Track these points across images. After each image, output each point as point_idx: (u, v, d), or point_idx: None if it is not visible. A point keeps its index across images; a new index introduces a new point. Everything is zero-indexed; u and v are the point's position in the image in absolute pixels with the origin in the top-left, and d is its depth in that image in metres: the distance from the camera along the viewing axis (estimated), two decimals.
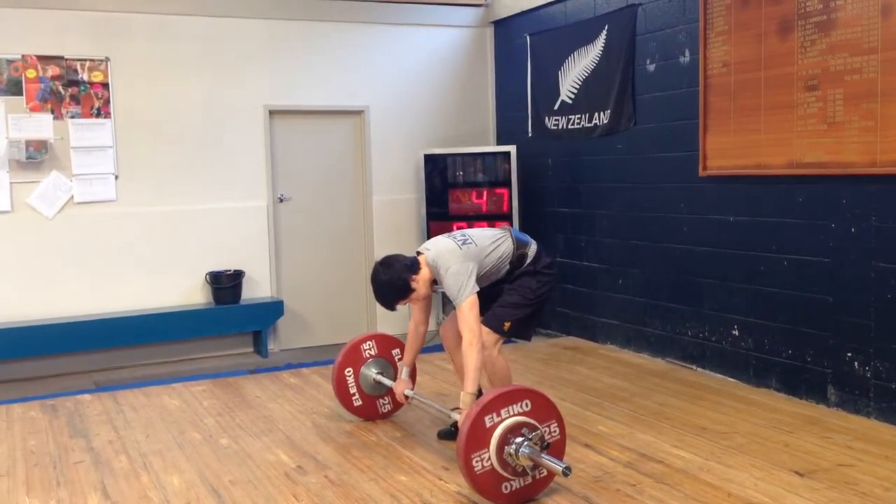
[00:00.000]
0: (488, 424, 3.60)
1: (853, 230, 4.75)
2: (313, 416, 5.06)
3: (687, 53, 5.81)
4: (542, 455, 3.59)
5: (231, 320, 6.98)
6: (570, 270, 7.13)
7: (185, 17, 6.88)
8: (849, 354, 4.81)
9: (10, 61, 6.34)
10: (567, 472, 3.53)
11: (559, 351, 6.68)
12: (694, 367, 5.90)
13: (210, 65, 6.98)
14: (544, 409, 3.72)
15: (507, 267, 4.28)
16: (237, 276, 7.01)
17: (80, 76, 6.54)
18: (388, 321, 7.68)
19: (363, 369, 4.85)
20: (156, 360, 6.87)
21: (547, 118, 7.24)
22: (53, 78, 6.47)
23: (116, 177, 6.70)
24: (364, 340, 4.92)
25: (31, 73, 6.41)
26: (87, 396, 5.69)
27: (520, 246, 4.32)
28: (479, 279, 4.13)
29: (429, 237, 7.51)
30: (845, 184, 4.78)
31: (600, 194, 6.73)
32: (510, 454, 3.59)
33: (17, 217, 6.41)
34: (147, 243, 6.82)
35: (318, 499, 3.79)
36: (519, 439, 3.59)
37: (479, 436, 3.58)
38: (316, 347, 7.37)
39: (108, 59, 6.63)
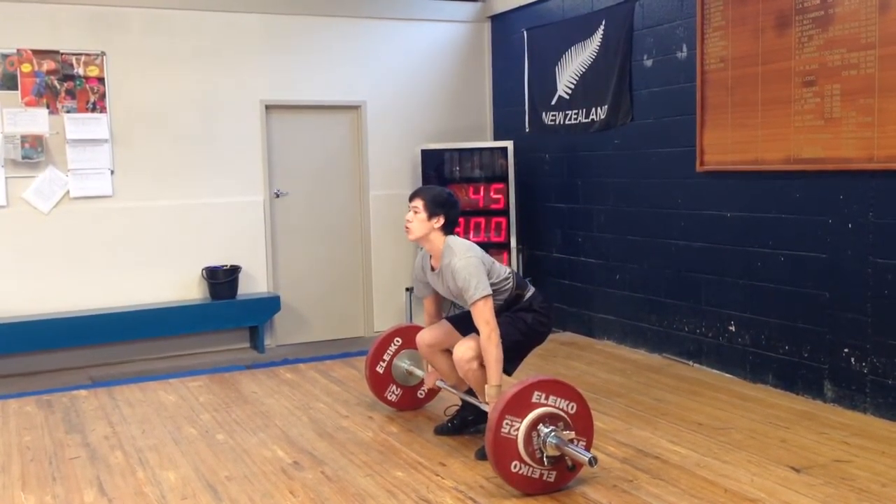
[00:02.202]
0: (534, 399, 3.67)
1: (850, 226, 4.75)
2: (310, 412, 5.06)
3: (684, 48, 5.80)
4: (568, 445, 3.64)
5: (227, 315, 6.97)
6: (567, 266, 7.13)
7: (180, 12, 6.85)
8: (846, 350, 4.81)
9: (5, 55, 6.32)
10: (593, 461, 3.59)
11: (556, 346, 6.68)
12: (691, 362, 5.90)
13: (206, 59, 6.95)
14: (585, 421, 3.78)
15: (502, 302, 4.24)
16: (234, 271, 7.00)
17: (75, 70, 6.52)
18: (385, 316, 7.69)
19: (396, 361, 4.93)
20: (152, 355, 6.86)
21: (544, 113, 7.23)
22: (49, 72, 6.44)
23: (112, 172, 6.68)
24: (388, 339, 4.97)
25: (26, 68, 6.39)
26: (82, 392, 5.68)
27: (519, 287, 4.31)
28: None
29: None
30: (843, 179, 4.78)
31: (597, 190, 6.72)
32: (538, 435, 3.64)
33: (12, 212, 6.40)
34: (143, 238, 6.81)
35: (314, 494, 3.78)
36: (552, 428, 3.65)
37: (521, 403, 3.65)
38: (313, 343, 7.36)
39: (103, 53, 6.60)
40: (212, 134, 7.01)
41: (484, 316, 4.00)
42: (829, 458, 4.07)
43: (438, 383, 4.69)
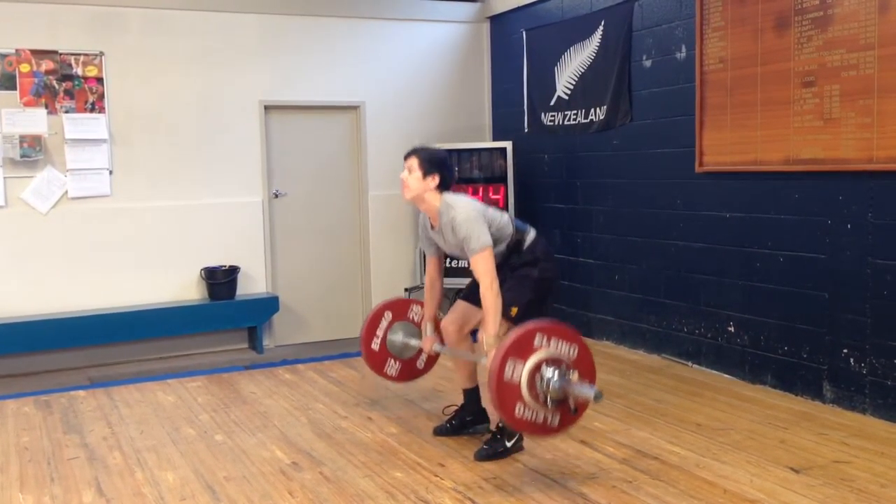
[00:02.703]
0: (535, 343, 3.67)
1: (849, 226, 4.75)
2: (308, 413, 5.05)
3: (683, 49, 5.79)
4: (574, 384, 3.65)
5: (226, 316, 6.96)
6: (567, 266, 7.12)
7: (179, 12, 6.85)
8: (845, 351, 4.81)
9: (3, 55, 6.31)
10: (599, 396, 3.61)
11: None
12: (690, 363, 5.90)
13: (205, 59, 6.95)
14: (587, 365, 3.79)
15: (504, 249, 4.23)
16: (232, 271, 6.99)
17: (74, 70, 6.51)
18: None
19: (389, 335, 4.85)
20: (150, 355, 6.85)
21: (543, 114, 7.23)
22: (47, 72, 6.43)
23: (111, 172, 6.67)
24: (378, 314, 4.88)
25: (24, 68, 6.38)
26: (81, 392, 5.67)
27: (518, 231, 4.30)
28: None
29: None
30: (842, 180, 4.77)
31: (596, 190, 6.72)
32: (541, 378, 3.65)
33: (10, 212, 6.38)
34: (142, 239, 6.79)
35: (313, 495, 3.78)
36: (555, 370, 3.65)
37: (523, 347, 3.66)
38: (311, 343, 7.36)
39: (102, 53, 6.60)
40: (211, 134, 7.00)
41: (485, 266, 4.01)
42: (829, 458, 4.06)
43: (436, 347, 4.60)
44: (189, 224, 6.95)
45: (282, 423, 4.85)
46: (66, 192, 6.52)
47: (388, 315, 4.87)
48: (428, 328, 4.61)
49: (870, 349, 4.67)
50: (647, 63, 6.13)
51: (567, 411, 3.75)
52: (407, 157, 4.31)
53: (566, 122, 6.96)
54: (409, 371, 4.95)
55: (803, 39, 4.90)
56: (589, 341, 6.72)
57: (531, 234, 4.32)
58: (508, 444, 4.18)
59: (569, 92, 6.91)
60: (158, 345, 6.86)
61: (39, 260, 6.48)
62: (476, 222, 4.07)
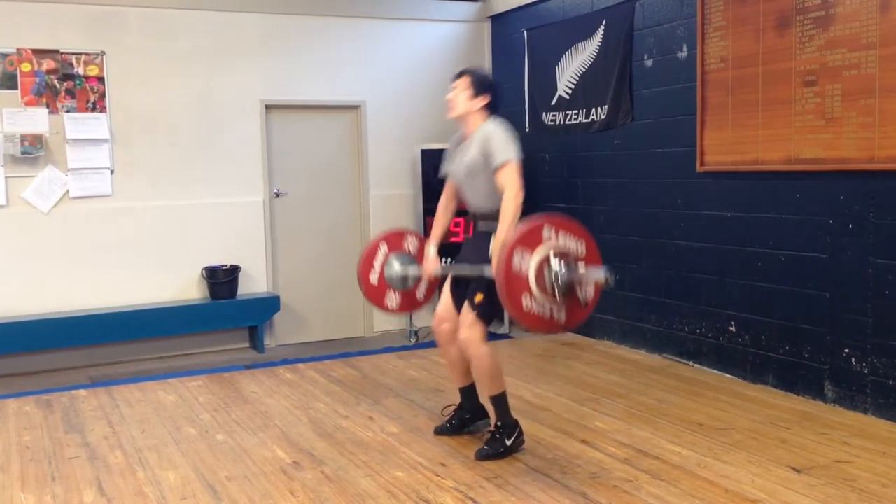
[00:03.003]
0: (545, 235, 3.71)
1: (851, 226, 4.75)
2: (309, 412, 5.05)
3: (685, 49, 5.79)
4: (582, 271, 3.69)
5: (227, 315, 6.96)
6: None
7: (180, 11, 6.85)
8: (846, 351, 4.80)
9: (4, 55, 6.31)
10: (610, 277, 3.66)
11: (556, 346, 6.67)
12: (691, 363, 5.89)
13: (206, 59, 6.95)
14: (594, 261, 3.83)
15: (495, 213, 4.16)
16: (233, 271, 6.99)
17: (75, 70, 6.51)
18: (385, 318, 7.69)
19: (387, 268, 4.72)
20: (151, 355, 6.85)
21: (544, 113, 7.22)
22: (49, 72, 6.43)
23: (112, 171, 6.67)
24: (375, 247, 4.75)
25: (25, 67, 6.38)
26: (82, 392, 5.67)
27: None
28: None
29: (425, 232, 7.49)
30: (843, 180, 4.77)
31: (597, 190, 6.72)
32: (549, 268, 3.67)
33: (11, 212, 6.39)
34: (143, 238, 6.80)
35: (314, 495, 3.77)
36: (563, 261, 3.67)
37: (532, 239, 3.69)
38: (312, 343, 7.35)
39: (103, 53, 6.60)
40: (212, 134, 7.00)
41: (513, 177, 4.00)
42: (830, 458, 4.06)
43: (438, 271, 4.51)
44: (190, 223, 6.95)
45: (283, 423, 4.85)
46: (68, 191, 6.52)
47: (385, 247, 4.75)
48: (431, 251, 4.51)
49: (871, 349, 4.67)
50: (649, 62, 6.12)
51: (576, 305, 3.76)
52: (456, 77, 4.27)
53: (567, 122, 6.96)
54: (410, 303, 4.85)
55: (805, 39, 4.89)
56: (590, 341, 6.78)
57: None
58: (508, 443, 4.18)
59: (570, 91, 6.91)
60: (159, 344, 6.86)
61: (41, 259, 6.48)
62: (512, 142, 4.07)
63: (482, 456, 4.15)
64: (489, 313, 4.13)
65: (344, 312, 7.62)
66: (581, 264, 3.73)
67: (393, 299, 4.78)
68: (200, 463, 4.21)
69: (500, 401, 4.20)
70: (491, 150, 4.07)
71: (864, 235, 4.68)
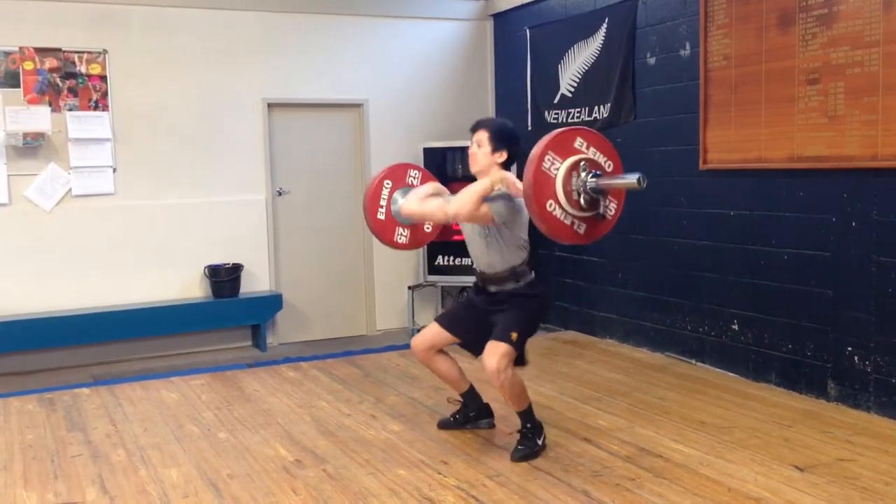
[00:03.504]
0: (576, 145, 3.78)
1: (854, 224, 4.74)
2: (312, 410, 5.05)
3: (687, 46, 5.78)
4: (611, 177, 3.78)
5: (229, 314, 6.97)
6: (570, 264, 7.12)
7: (183, 10, 6.85)
8: (849, 349, 4.79)
9: (7, 53, 6.31)
10: (642, 180, 3.67)
11: (558, 345, 6.67)
12: (693, 361, 5.89)
13: (209, 58, 6.95)
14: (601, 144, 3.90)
15: (518, 261, 4.17)
16: (236, 269, 6.99)
17: (77, 68, 6.51)
18: (387, 314, 7.69)
19: (392, 206, 4.72)
20: (154, 353, 6.86)
21: (547, 112, 7.21)
22: (51, 70, 6.44)
23: (114, 170, 6.67)
24: (379, 184, 4.76)
25: (28, 66, 6.38)
26: (84, 390, 5.68)
27: (527, 262, 4.25)
28: (497, 242, 4.15)
29: None
30: (846, 177, 4.76)
31: None
32: (577, 175, 3.73)
33: (14, 210, 6.39)
34: (145, 237, 6.80)
35: (316, 493, 3.77)
36: (592, 172, 3.75)
37: (565, 145, 3.76)
38: (315, 341, 7.36)
39: (105, 51, 6.60)
40: (214, 132, 7.00)
41: (470, 197, 3.99)
42: (833, 456, 4.05)
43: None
44: (192, 222, 6.95)
45: (285, 421, 4.85)
46: (70, 189, 6.52)
47: (389, 184, 4.75)
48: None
49: (874, 347, 4.66)
50: (651, 60, 6.11)
51: (596, 219, 3.82)
52: (475, 129, 4.22)
53: (570, 120, 6.95)
54: (418, 237, 4.86)
55: (808, 37, 4.88)
56: (592, 339, 6.77)
57: (533, 274, 4.26)
58: (539, 442, 4.18)
59: (572, 89, 6.90)
60: (162, 343, 6.87)
61: (43, 258, 6.49)
62: (504, 200, 4.03)
63: (520, 456, 4.12)
64: (521, 348, 4.14)
65: (346, 311, 7.62)
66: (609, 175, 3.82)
67: (402, 235, 4.80)
68: (203, 461, 4.22)
69: (528, 411, 4.22)
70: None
71: (867, 233, 4.67)
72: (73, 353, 6.60)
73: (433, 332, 4.43)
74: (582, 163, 3.75)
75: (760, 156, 5.23)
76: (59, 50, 6.45)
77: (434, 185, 4.57)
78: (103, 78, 6.59)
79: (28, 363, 6.46)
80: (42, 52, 6.41)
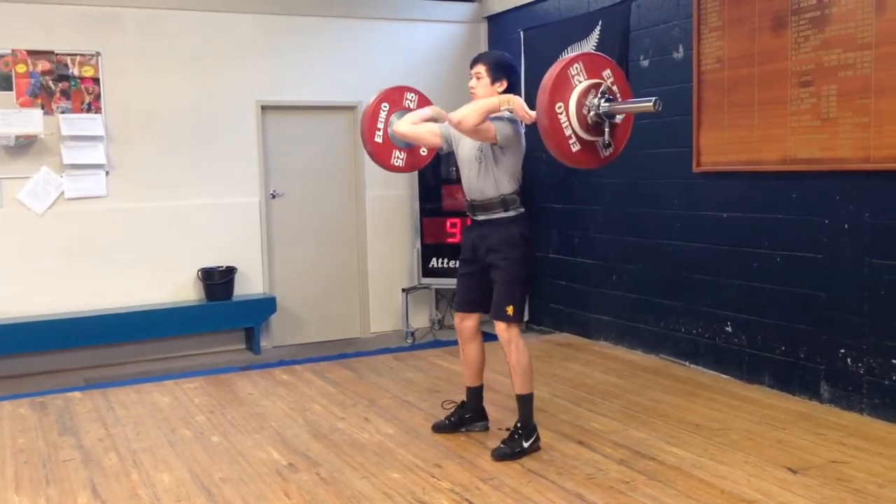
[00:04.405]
0: (604, 74, 3.92)
1: (846, 226, 4.74)
2: (305, 413, 5.04)
3: (681, 49, 5.79)
4: (626, 102, 3.89)
5: (223, 317, 6.95)
6: (564, 266, 7.12)
7: (176, 12, 6.84)
8: (842, 351, 4.80)
9: None
10: (658, 103, 3.75)
11: (552, 347, 6.67)
12: (687, 363, 5.89)
13: (202, 60, 6.94)
14: (596, 63, 4.01)
15: (509, 189, 4.22)
16: (229, 272, 6.98)
17: (70, 71, 6.49)
18: (381, 317, 7.68)
19: (389, 129, 4.73)
20: (147, 356, 6.84)
21: None
22: (44, 73, 6.42)
23: (107, 172, 6.66)
24: (377, 107, 4.76)
25: (20, 68, 6.36)
26: (77, 394, 5.66)
27: (518, 192, 4.32)
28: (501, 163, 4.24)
29: (422, 233, 7.51)
30: (839, 180, 4.77)
31: (594, 190, 6.71)
32: (592, 97, 3.84)
33: (6, 213, 6.37)
34: (138, 239, 6.78)
35: (309, 497, 3.76)
36: (606, 97, 3.85)
37: (594, 67, 3.92)
38: (309, 344, 7.35)
39: (98, 53, 6.58)
40: (207, 135, 6.99)
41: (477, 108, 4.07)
42: (826, 458, 4.06)
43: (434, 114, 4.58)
44: (186, 224, 6.93)
45: (278, 424, 4.83)
46: (63, 192, 6.50)
47: (386, 107, 4.77)
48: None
49: (867, 349, 4.66)
50: (645, 63, 6.12)
51: (593, 146, 3.90)
52: (474, 63, 4.30)
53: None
54: (414, 160, 4.90)
55: (800, 39, 4.89)
56: (586, 342, 6.77)
57: (523, 208, 4.32)
58: (525, 445, 4.17)
59: None
60: (155, 346, 6.85)
61: (35, 261, 6.47)
62: (509, 122, 4.15)
63: (499, 454, 4.13)
64: (521, 314, 4.25)
65: (340, 314, 7.61)
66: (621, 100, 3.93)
67: (398, 158, 4.83)
68: (195, 465, 4.20)
69: (528, 401, 4.25)
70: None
71: (860, 235, 4.68)
72: (66, 357, 6.58)
73: (458, 321, 4.49)
74: (603, 86, 3.86)
75: (754, 158, 5.24)
76: (51, 52, 6.44)
77: (433, 109, 4.61)
78: (96, 80, 6.58)
79: (20, 366, 6.44)
80: (34, 54, 6.39)
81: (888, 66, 4.43)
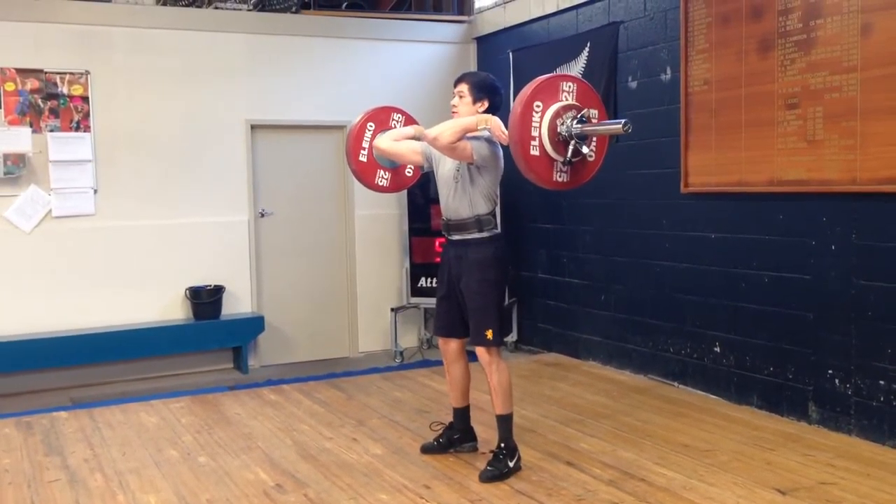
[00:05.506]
0: (563, 88, 3.94)
1: (833, 247, 4.77)
2: (293, 434, 5.01)
3: (668, 71, 5.83)
4: (597, 123, 3.91)
5: (211, 336, 6.92)
6: (553, 286, 7.13)
7: (166, 31, 6.85)
8: (830, 371, 4.82)
9: None
10: (627, 125, 3.80)
11: (541, 367, 6.66)
12: (676, 384, 5.89)
13: (191, 79, 6.94)
14: (587, 94, 4.04)
15: (485, 210, 4.24)
16: (217, 291, 6.95)
17: (59, 89, 6.49)
18: (370, 336, 7.66)
19: (374, 151, 4.74)
20: (134, 376, 6.79)
21: None
22: (32, 91, 6.41)
23: (95, 191, 6.64)
24: (362, 126, 4.79)
25: (9, 86, 6.35)
26: (63, 413, 5.61)
27: (493, 216, 4.32)
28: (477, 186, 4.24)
29: (411, 253, 7.51)
30: (825, 201, 4.80)
31: (582, 210, 6.73)
32: (560, 123, 3.87)
33: None
34: (126, 258, 6.75)
35: None
36: (576, 118, 3.88)
37: (551, 91, 3.91)
38: (297, 363, 7.31)
39: (88, 72, 6.58)
40: (197, 153, 6.98)
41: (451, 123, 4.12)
42: (815, 480, 4.06)
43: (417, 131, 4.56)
44: (174, 243, 6.91)
45: (266, 445, 4.80)
46: (50, 210, 6.48)
47: (371, 126, 4.78)
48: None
49: (855, 370, 4.68)
50: (633, 84, 6.16)
51: (576, 164, 3.96)
52: (457, 82, 4.34)
53: None
54: (399, 180, 4.90)
55: (787, 62, 4.94)
56: (575, 362, 6.77)
57: (498, 229, 4.33)
58: (511, 464, 4.17)
59: None
60: (142, 365, 6.81)
61: (22, 279, 6.43)
62: (486, 142, 4.15)
63: (487, 477, 4.12)
64: (500, 336, 4.24)
65: (329, 333, 7.58)
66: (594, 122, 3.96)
67: (383, 178, 4.84)
68: (182, 486, 4.17)
69: (509, 421, 4.25)
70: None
71: (847, 257, 4.70)
72: (52, 376, 6.53)
73: (442, 343, 4.49)
74: (585, 113, 3.89)
75: (741, 179, 5.27)
76: (41, 71, 6.43)
77: (416, 128, 4.58)
78: (85, 99, 6.57)
79: (5, 386, 6.38)
80: (23, 72, 6.39)
81: (874, 89, 4.48)
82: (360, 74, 7.53)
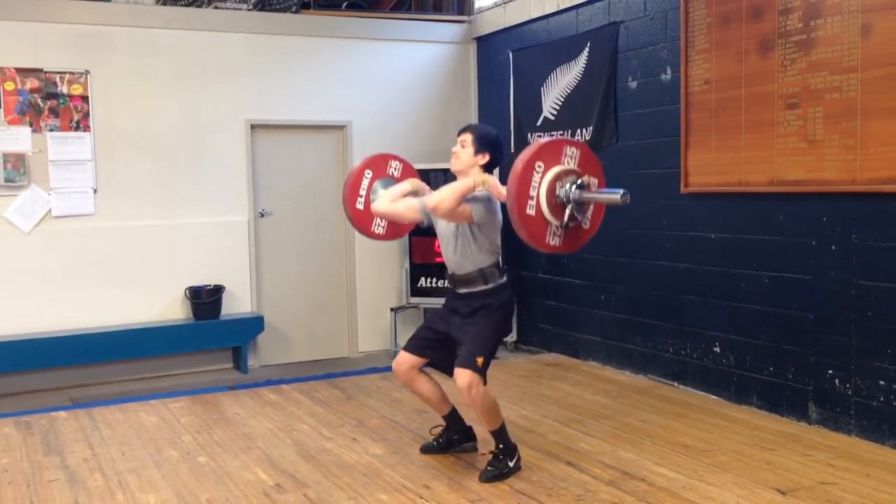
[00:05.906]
0: (566, 154, 3.92)
1: (834, 248, 4.77)
2: (293, 434, 5.01)
3: (668, 71, 5.83)
4: (596, 191, 3.89)
5: (210, 336, 6.91)
6: (553, 287, 7.12)
7: (166, 31, 6.84)
8: (830, 372, 4.81)
9: None
10: (626, 196, 3.79)
11: (541, 367, 6.66)
12: (676, 384, 5.89)
13: (191, 79, 6.94)
14: (590, 161, 4.02)
15: (488, 263, 4.20)
16: (217, 291, 6.95)
17: (59, 89, 6.49)
18: (369, 336, 7.66)
19: (371, 196, 4.71)
20: (133, 376, 6.79)
21: (529, 134, 7.24)
22: (32, 91, 6.41)
23: (95, 191, 6.63)
24: (360, 173, 4.76)
25: (9, 86, 6.35)
26: (62, 413, 5.60)
27: (499, 265, 4.28)
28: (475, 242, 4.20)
29: (411, 253, 7.51)
30: (826, 201, 4.80)
31: None
32: (560, 187, 3.83)
33: None
34: (126, 258, 6.75)
35: None
36: (578, 182, 3.86)
37: (554, 153, 3.88)
38: (296, 363, 7.31)
39: (87, 72, 6.58)
40: (196, 153, 6.98)
41: (445, 189, 4.08)
42: (815, 480, 4.06)
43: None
44: (174, 243, 6.91)
45: (266, 445, 4.80)
46: (50, 210, 6.47)
47: (369, 174, 4.76)
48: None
49: (855, 370, 4.68)
50: (633, 84, 6.16)
51: (574, 230, 3.92)
52: (461, 132, 4.32)
53: None
54: (396, 228, 4.88)
55: (787, 62, 4.94)
56: (575, 362, 6.77)
57: (504, 277, 4.29)
58: (511, 464, 4.16)
59: (555, 112, 6.94)
60: (142, 365, 6.80)
61: (21, 279, 6.42)
62: (484, 202, 4.13)
63: (487, 477, 4.11)
64: (485, 371, 4.14)
65: (328, 333, 7.58)
66: (594, 187, 3.93)
67: (379, 225, 4.82)
68: (181, 486, 4.16)
69: (502, 430, 4.22)
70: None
71: (847, 257, 4.70)
72: (51, 376, 6.52)
73: (406, 357, 4.41)
74: (568, 174, 3.85)
75: (741, 179, 5.27)
76: (40, 70, 6.43)
77: (412, 182, 4.54)
78: (85, 98, 6.57)
79: (4, 386, 6.38)
80: (23, 72, 6.38)
81: (874, 89, 4.48)
82: (360, 74, 7.53)
